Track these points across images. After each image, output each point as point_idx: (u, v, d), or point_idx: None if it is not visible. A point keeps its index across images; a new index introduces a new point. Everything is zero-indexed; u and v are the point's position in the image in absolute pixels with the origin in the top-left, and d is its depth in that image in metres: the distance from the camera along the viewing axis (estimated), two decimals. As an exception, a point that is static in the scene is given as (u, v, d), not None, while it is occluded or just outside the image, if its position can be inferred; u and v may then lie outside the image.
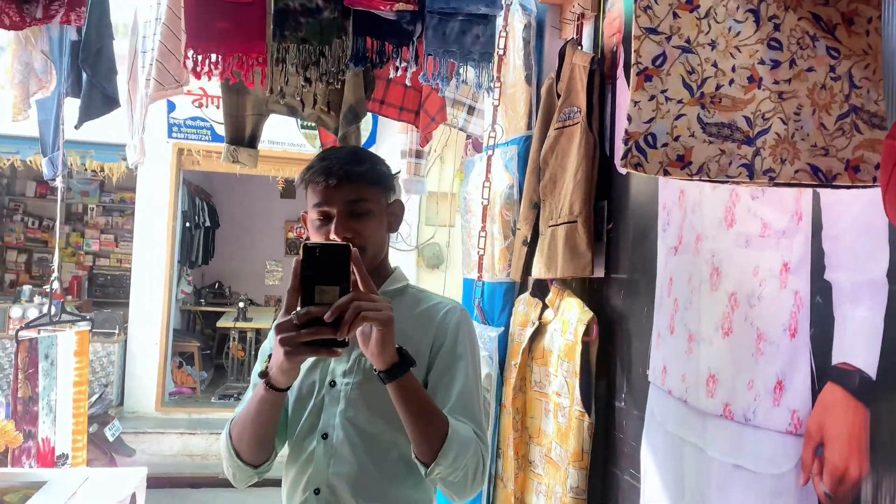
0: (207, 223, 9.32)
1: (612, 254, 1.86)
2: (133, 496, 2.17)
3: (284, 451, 1.47)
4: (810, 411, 1.12)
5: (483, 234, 2.34)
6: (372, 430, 1.36)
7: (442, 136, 5.72)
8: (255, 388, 1.37)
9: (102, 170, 7.27)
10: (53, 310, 2.95)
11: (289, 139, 6.76)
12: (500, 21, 2.39)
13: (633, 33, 0.93)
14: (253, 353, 8.22)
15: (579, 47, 2.03)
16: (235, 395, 7.63)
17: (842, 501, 1.05)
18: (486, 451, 1.35)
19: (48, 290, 3.27)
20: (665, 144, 0.92)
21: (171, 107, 6.97)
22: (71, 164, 7.05)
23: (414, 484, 1.37)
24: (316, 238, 1.39)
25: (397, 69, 2.12)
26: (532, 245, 2.08)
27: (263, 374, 1.26)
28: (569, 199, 1.90)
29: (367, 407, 1.36)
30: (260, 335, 8.42)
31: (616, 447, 1.79)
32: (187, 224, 8.20)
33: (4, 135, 6.48)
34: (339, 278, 1.13)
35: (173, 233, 7.29)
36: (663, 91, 0.93)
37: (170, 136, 7.03)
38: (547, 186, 2.02)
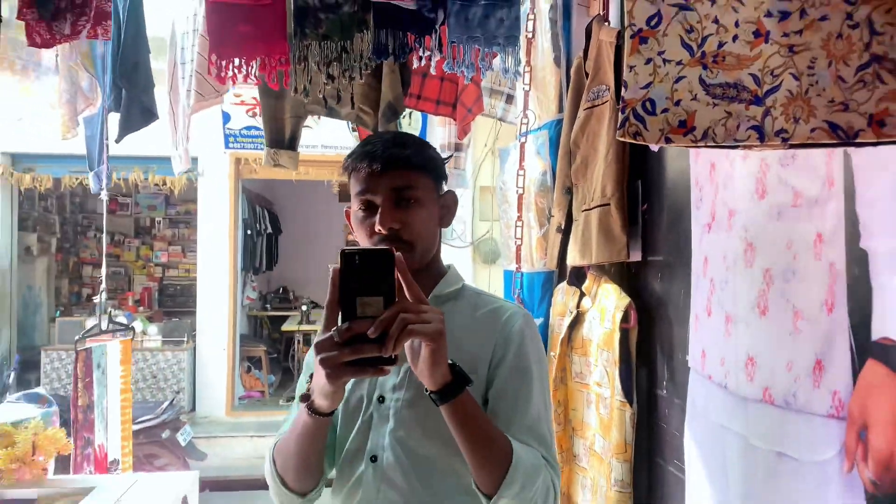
0: (269, 230, 9.51)
1: (649, 235, 1.78)
2: (184, 499, 2.20)
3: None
4: (852, 392, 1.03)
5: (519, 223, 2.29)
6: (425, 453, 1.22)
7: (492, 129, 5.65)
8: (298, 410, 1.25)
9: (165, 183, 7.49)
10: (104, 323, 3.05)
11: (342, 143, 6.83)
12: (526, 3, 2.33)
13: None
14: (317, 355, 8.33)
15: (606, 23, 1.95)
16: (303, 397, 7.75)
17: (890, 488, 0.96)
18: (556, 477, 1.21)
19: (98, 303, 3.37)
20: (665, 110, 0.85)
21: (227, 118, 7.13)
22: (135, 180, 7.30)
23: None
24: (360, 232, 1.27)
25: (421, 59, 2.09)
26: (566, 231, 2.02)
27: (306, 398, 1.14)
28: (601, 181, 1.82)
29: (419, 426, 1.23)
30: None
31: (660, 438, 1.70)
32: (248, 232, 8.38)
33: (73, 154, 6.76)
34: (382, 288, 1.01)
35: (235, 241, 7.47)
36: (660, 53, 0.86)
37: (227, 147, 7.18)
38: (579, 170, 1.95)
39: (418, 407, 1.22)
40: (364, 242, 1.26)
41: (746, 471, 1.33)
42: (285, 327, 8.68)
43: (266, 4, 1.98)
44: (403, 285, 1.03)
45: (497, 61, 2.19)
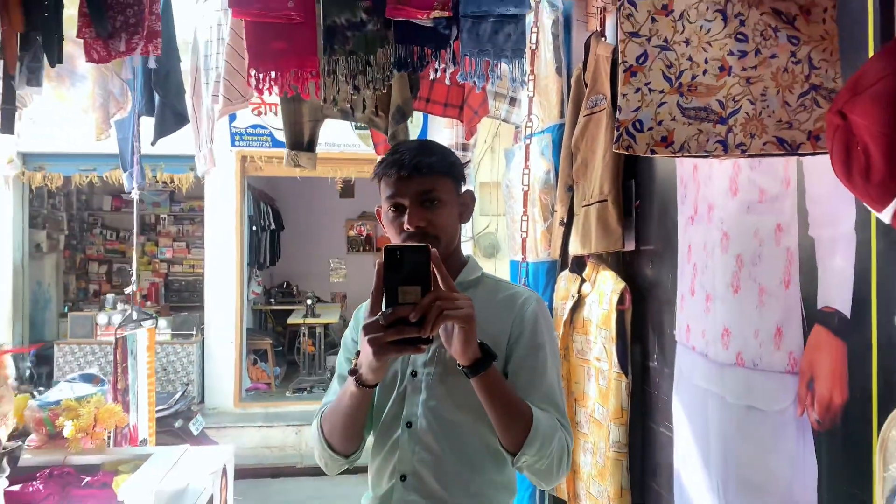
0: (273, 226, 9.72)
1: (641, 228, 2.03)
2: (224, 468, 2.45)
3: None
4: (803, 352, 1.28)
5: (525, 218, 2.53)
6: (454, 419, 1.38)
7: (492, 126, 5.88)
8: (340, 381, 1.45)
9: (172, 181, 7.68)
10: (135, 313, 3.30)
11: (345, 140, 7.05)
12: (530, 17, 2.57)
13: (618, 37, 1.11)
14: (323, 347, 8.59)
15: (603, 38, 2.19)
16: (308, 389, 8.01)
17: (829, 426, 1.21)
18: (570, 438, 1.36)
19: (129, 294, 3.61)
20: (650, 128, 1.10)
21: (233, 117, 7.31)
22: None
23: (497, 470, 1.40)
24: (391, 230, 1.41)
25: (437, 71, 2.32)
26: (568, 225, 2.26)
27: (353, 372, 1.29)
28: (599, 180, 2.07)
29: (448, 397, 1.38)
30: (328, 330, 8.80)
31: (651, 403, 1.96)
32: (254, 228, 8.60)
33: (83, 153, 6.99)
34: (420, 278, 1.15)
35: (241, 237, 7.67)
36: (647, 84, 1.10)
37: (233, 145, 7.38)
38: (579, 170, 2.20)
39: (447, 380, 1.38)
40: (394, 239, 1.40)
41: (723, 424, 1.58)
42: (291, 321, 8.89)
43: (299, 24, 2.21)
44: (438, 276, 1.18)
45: (504, 69, 2.43)
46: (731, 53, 1.10)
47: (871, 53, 1.09)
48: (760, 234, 1.42)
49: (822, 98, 1.08)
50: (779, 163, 1.35)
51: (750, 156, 1.11)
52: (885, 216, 0.84)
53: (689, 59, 1.10)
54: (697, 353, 1.69)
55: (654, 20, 1.10)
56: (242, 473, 6.04)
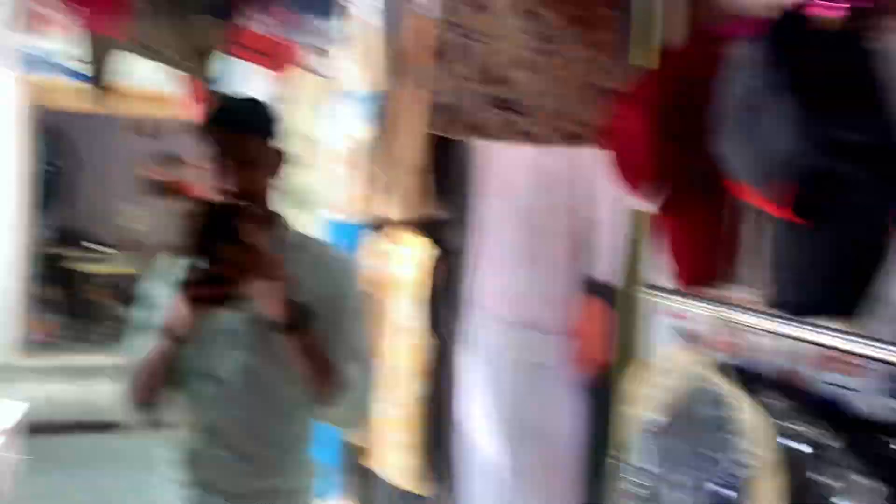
0: (62, 164, 8.92)
1: (449, 197, 2.17)
2: (14, 426, 2.29)
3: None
4: (579, 317, 1.48)
5: (339, 177, 2.58)
6: (263, 374, 1.42)
7: (308, 79, 5.80)
8: (142, 335, 1.44)
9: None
10: None
11: (149, 77, 6.60)
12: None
13: (436, 27, 1.20)
14: (116, 297, 8.10)
15: (425, 13, 2.26)
16: (97, 340, 7.55)
17: (596, 384, 1.42)
18: (373, 392, 1.47)
19: None
20: (458, 113, 1.21)
21: (22, 40, 6.58)
22: None
23: (299, 421, 1.47)
24: (204, 187, 1.40)
25: (248, 18, 2.28)
26: (381, 189, 2.35)
27: (163, 327, 1.32)
28: (412, 149, 2.17)
29: (259, 353, 1.41)
30: (121, 280, 8.29)
31: (451, 361, 2.12)
32: (40, 165, 7.84)
33: None
34: (232, 237, 1.18)
35: (22, 174, 6.99)
36: (459, 73, 1.20)
37: (18, 71, 6.65)
38: (394, 137, 2.28)
39: (256, 336, 1.40)
40: (208, 196, 1.37)
41: (515, 376, 1.77)
42: (80, 268, 8.31)
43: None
44: (249, 234, 1.23)
45: (319, 24, 2.44)
46: (534, 51, 1.22)
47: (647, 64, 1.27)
48: (555, 212, 1.59)
49: (605, 99, 1.25)
50: (570, 151, 1.51)
51: (545, 145, 1.25)
52: (646, 206, 1.00)
53: (497, 52, 1.21)
54: (495, 315, 1.86)
55: (468, 12, 1.20)
56: (28, 430, 5.61)
